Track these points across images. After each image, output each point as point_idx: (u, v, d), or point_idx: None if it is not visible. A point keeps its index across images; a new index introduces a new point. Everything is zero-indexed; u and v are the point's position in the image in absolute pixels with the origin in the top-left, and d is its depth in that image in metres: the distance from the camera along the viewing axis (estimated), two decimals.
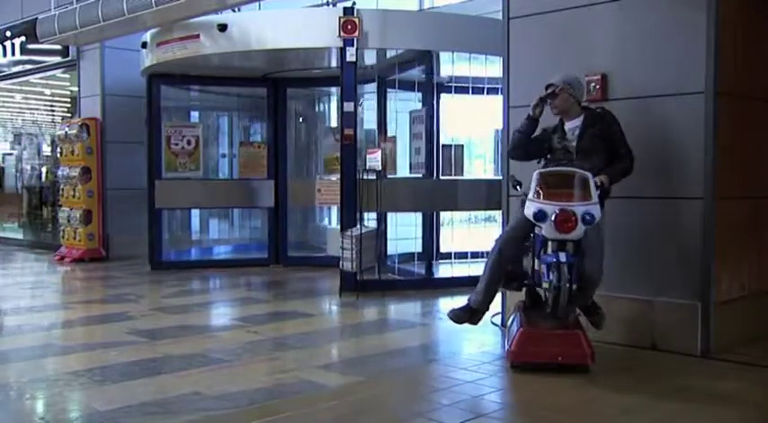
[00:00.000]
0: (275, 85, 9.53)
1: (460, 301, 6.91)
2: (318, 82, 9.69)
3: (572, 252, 4.25)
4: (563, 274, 4.16)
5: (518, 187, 4.69)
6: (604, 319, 4.61)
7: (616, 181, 4.58)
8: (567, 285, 4.16)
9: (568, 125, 4.74)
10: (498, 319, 5.66)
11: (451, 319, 4.86)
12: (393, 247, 8.59)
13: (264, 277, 8.67)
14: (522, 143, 4.85)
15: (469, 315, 4.78)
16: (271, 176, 9.51)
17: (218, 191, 9.93)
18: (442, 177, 7.94)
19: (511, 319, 4.82)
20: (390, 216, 8.49)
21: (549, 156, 4.81)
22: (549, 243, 4.28)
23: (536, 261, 4.49)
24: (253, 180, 9.58)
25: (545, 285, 4.29)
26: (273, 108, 9.59)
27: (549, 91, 4.70)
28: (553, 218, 4.20)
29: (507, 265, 4.68)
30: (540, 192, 4.34)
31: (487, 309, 4.80)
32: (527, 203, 4.34)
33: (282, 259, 9.54)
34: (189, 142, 9.36)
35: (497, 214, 6.72)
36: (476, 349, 5.02)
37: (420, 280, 8.06)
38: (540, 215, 4.24)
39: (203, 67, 8.94)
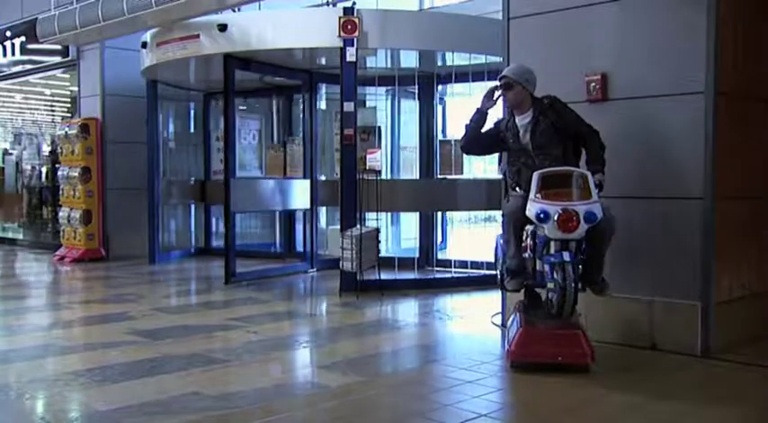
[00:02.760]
0: (310, 77, 9.08)
1: (460, 300, 6.99)
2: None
3: (574, 252, 4.26)
4: (568, 273, 4.17)
5: (517, 189, 4.70)
6: (608, 287, 4.54)
7: (604, 165, 4.59)
8: (573, 285, 4.18)
9: (519, 120, 4.73)
10: (498, 319, 5.66)
11: (514, 291, 4.81)
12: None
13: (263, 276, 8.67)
14: (473, 137, 4.90)
15: (520, 278, 4.70)
16: (306, 176, 9.12)
17: (281, 191, 9.17)
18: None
19: (511, 319, 4.82)
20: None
21: (510, 158, 4.83)
22: (552, 243, 4.29)
23: (538, 261, 4.49)
24: (295, 179, 9.17)
25: (549, 285, 4.30)
26: (308, 102, 9.17)
27: (503, 82, 4.71)
28: (556, 218, 4.20)
29: (520, 228, 4.61)
30: (541, 193, 4.34)
31: (524, 269, 4.67)
32: (529, 204, 4.35)
33: (316, 264, 9.08)
34: (254, 137, 8.92)
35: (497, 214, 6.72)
36: (476, 349, 5.02)
37: (420, 280, 8.06)
38: (544, 216, 4.24)
39: None
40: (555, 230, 4.22)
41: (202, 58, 8.24)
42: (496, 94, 4.78)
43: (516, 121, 4.75)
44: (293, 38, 7.72)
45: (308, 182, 9.09)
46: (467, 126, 4.92)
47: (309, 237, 9.18)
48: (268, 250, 10.57)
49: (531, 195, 4.36)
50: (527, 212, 4.34)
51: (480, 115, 4.85)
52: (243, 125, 11.33)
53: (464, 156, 8.28)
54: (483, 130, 4.90)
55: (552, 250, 4.28)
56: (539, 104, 4.69)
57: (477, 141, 4.94)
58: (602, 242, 4.39)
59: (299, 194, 9.12)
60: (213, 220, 11.14)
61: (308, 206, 9.15)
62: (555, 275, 4.21)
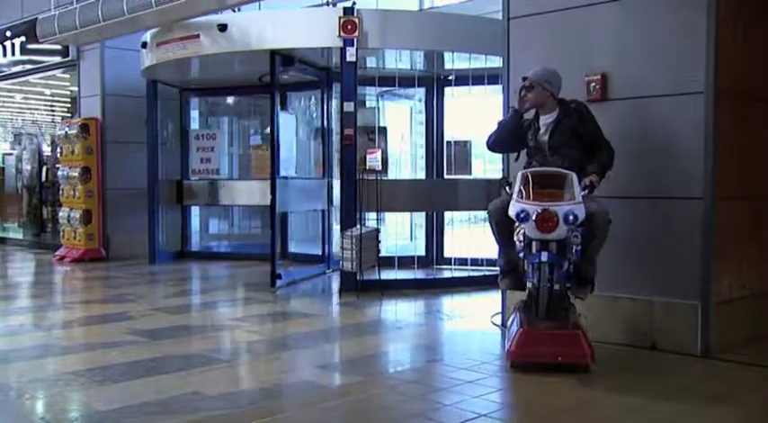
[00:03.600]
0: (327, 75, 8.94)
1: (460, 300, 7.00)
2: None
3: (555, 252, 4.28)
4: (543, 273, 4.22)
5: (508, 188, 4.70)
6: (587, 292, 4.58)
7: (602, 177, 4.60)
8: (548, 285, 4.23)
9: (543, 120, 4.75)
10: (498, 319, 5.66)
11: (505, 290, 5.06)
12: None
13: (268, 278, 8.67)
14: (505, 135, 4.88)
15: (510, 278, 4.79)
16: (326, 176, 9.12)
17: (310, 191, 9.04)
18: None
19: (511, 319, 4.82)
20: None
21: (527, 156, 4.85)
22: (533, 243, 4.32)
23: (525, 261, 4.52)
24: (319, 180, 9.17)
25: (528, 285, 4.38)
26: (326, 101, 9.09)
27: (524, 84, 4.72)
28: (534, 217, 4.22)
29: (505, 226, 4.61)
30: (524, 192, 4.36)
31: (516, 267, 4.72)
32: (511, 203, 4.37)
33: (332, 264, 8.77)
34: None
35: None
36: (476, 349, 5.02)
37: (420, 280, 8.06)
38: (523, 215, 4.26)
39: None
40: (534, 230, 4.25)
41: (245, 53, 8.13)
42: (522, 85, 4.77)
43: (540, 120, 4.77)
44: (293, 38, 7.73)
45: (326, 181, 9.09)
46: (500, 123, 4.91)
47: (328, 238, 9.11)
48: (257, 252, 9.98)
49: (514, 195, 4.39)
50: (509, 212, 4.37)
51: (515, 114, 4.82)
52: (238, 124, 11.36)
53: (471, 157, 8.35)
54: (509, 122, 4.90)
55: (533, 250, 4.31)
56: (564, 106, 4.71)
57: (509, 136, 4.88)
58: (593, 236, 4.42)
59: (324, 195, 9.08)
60: (191, 223, 10.74)
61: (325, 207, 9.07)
62: (533, 276, 4.27)
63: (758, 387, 4.17)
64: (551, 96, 4.73)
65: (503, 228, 4.64)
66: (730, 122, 4.79)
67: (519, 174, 4.51)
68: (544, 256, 4.23)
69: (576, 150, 4.62)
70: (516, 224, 4.48)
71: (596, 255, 4.53)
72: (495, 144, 5.01)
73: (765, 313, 5.16)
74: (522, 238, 4.54)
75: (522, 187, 4.39)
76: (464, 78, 8.44)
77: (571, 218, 4.21)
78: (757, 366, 4.46)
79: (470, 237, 8.70)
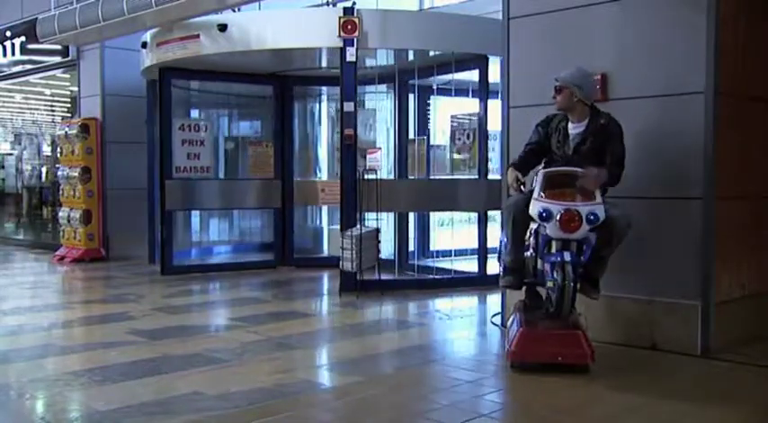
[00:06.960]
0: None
1: (460, 300, 7.00)
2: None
3: (575, 252, 4.26)
4: (567, 273, 4.18)
5: (522, 187, 4.67)
6: (598, 292, 4.57)
7: (609, 181, 4.53)
8: (572, 285, 4.19)
9: (572, 128, 4.66)
10: (498, 319, 5.67)
11: (505, 287, 4.96)
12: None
13: (267, 277, 8.66)
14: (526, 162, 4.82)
15: (512, 276, 4.73)
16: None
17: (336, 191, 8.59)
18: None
19: (511, 319, 4.82)
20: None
21: (547, 157, 4.80)
22: (554, 242, 4.29)
23: (539, 260, 4.49)
24: None
25: (549, 284, 4.32)
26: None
27: (555, 85, 4.64)
28: (558, 217, 4.21)
29: (521, 223, 4.56)
30: (545, 192, 4.34)
31: (522, 266, 4.68)
32: (532, 202, 4.35)
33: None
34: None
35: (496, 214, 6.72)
36: (476, 349, 5.02)
37: (420, 280, 8.06)
38: (546, 215, 4.24)
39: None
40: (557, 230, 4.23)
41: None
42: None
43: (569, 126, 4.67)
44: (293, 38, 7.73)
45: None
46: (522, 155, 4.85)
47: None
48: (253, 260, 9.76)
49: (535, 194, 4.37)
50: (530, 211, 4.35)
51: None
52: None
53: (432, 156, 8.35)
54: (535, 144, 4.79)
55: (554, 250, 4.29)
56: (595, 121, 4.60)
57: (528, 164, 4.81)
58: (611, 239, 4.37)
59: None
60: (179, 228, 9.54)
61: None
62: (555, 275, 4.23)
63: (758, 387, 4.17)
64: (581, 102, 4.60)
65: (519, 225, 4.58)
66: (730, 122, 4.79)
67: (540, 173, 4.47)
68: (567, 256, 4.21)
69: (596, 165, 4.52)
70: (536, 224, 4.46)
71: (609, 257, 4.49)
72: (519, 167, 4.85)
73: (765, 313, 5.16)
74: (531, 238, 4.54)
75: (543, 187, 4.36)
76: (448, 90, 8.46)
77: (592, 218, 4.20)
78: (757, 366, 4.46)
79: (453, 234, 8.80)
